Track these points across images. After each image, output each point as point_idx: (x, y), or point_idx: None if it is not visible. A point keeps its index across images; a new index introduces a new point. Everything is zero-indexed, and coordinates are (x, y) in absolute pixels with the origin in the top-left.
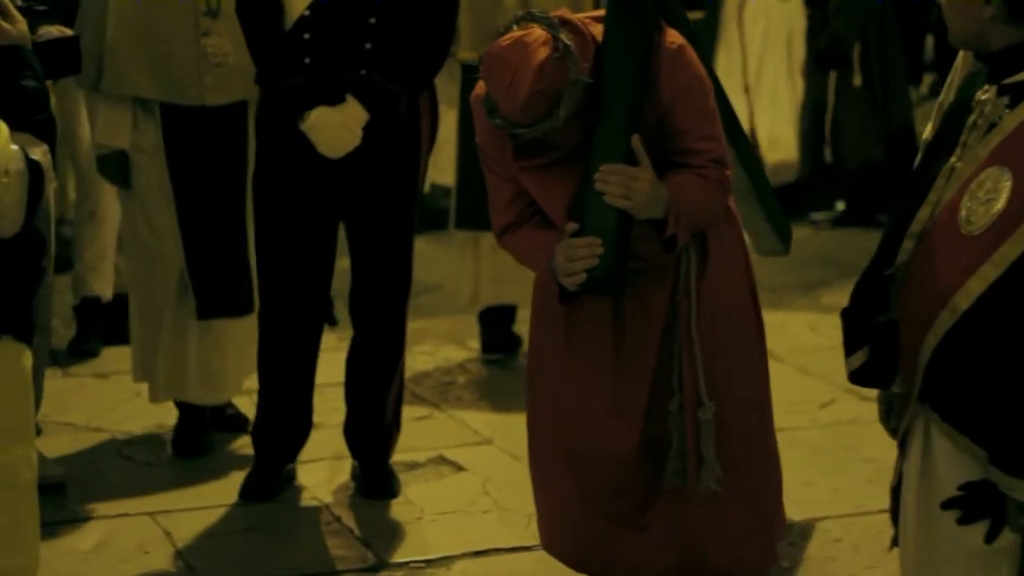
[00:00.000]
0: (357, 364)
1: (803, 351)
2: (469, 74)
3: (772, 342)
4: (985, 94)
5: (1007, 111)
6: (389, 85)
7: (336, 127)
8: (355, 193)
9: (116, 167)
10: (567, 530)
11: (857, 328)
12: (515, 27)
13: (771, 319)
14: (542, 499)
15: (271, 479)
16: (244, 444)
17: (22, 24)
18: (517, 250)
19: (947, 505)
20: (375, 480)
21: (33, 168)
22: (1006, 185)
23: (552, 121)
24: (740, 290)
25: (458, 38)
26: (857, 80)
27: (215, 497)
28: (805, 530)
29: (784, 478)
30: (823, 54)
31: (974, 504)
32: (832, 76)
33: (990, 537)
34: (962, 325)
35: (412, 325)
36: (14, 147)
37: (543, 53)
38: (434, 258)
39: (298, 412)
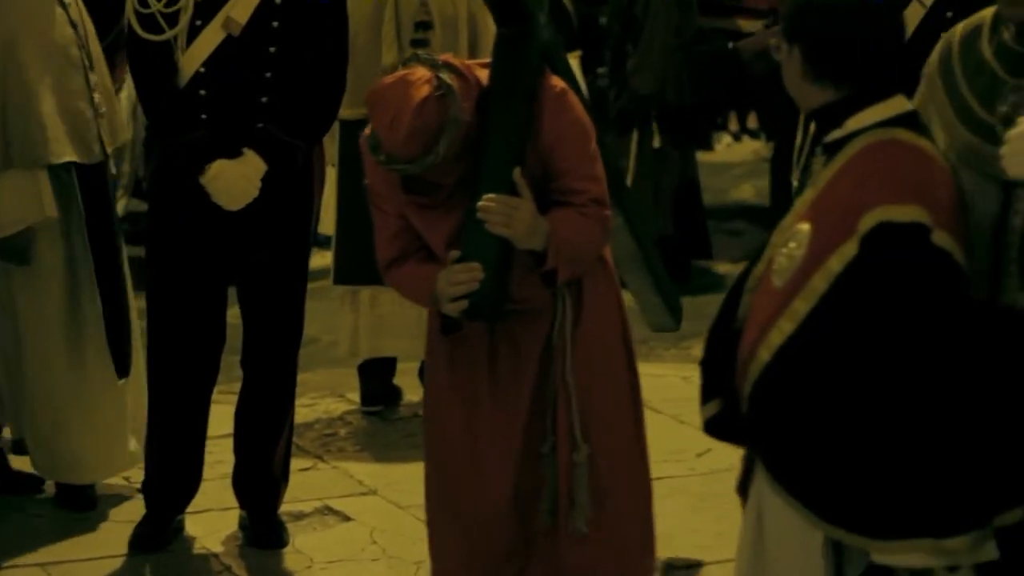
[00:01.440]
0: (247, 415)
1: (677, 401)
2: (348, 131)
3: (647, 393)
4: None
5: (823, 168)
6: (286, 137)
7: (236, 179)
8: (249, 246)
9: (19, 247)
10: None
11: (711, 378)
12: (401, 67)
13: (645, 370)
14: (432, 548)
15: (162, 530)
16: (129, 496)
17: None
18: (402, 283)
19: None
20: (264, 530)
21: None
22: (806, 240)
23: (432, 158)
24: (614, 336)
25: None
26: (657, 142)
27: (105, 548)
28: (691, 575)
29: (668, 525)
30: (622, 115)
31: None
32: (633, 138)
33: None
34: (764, 378)
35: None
36: None
37: (425, 91)
38: (311, 311)
39: (189, 465)
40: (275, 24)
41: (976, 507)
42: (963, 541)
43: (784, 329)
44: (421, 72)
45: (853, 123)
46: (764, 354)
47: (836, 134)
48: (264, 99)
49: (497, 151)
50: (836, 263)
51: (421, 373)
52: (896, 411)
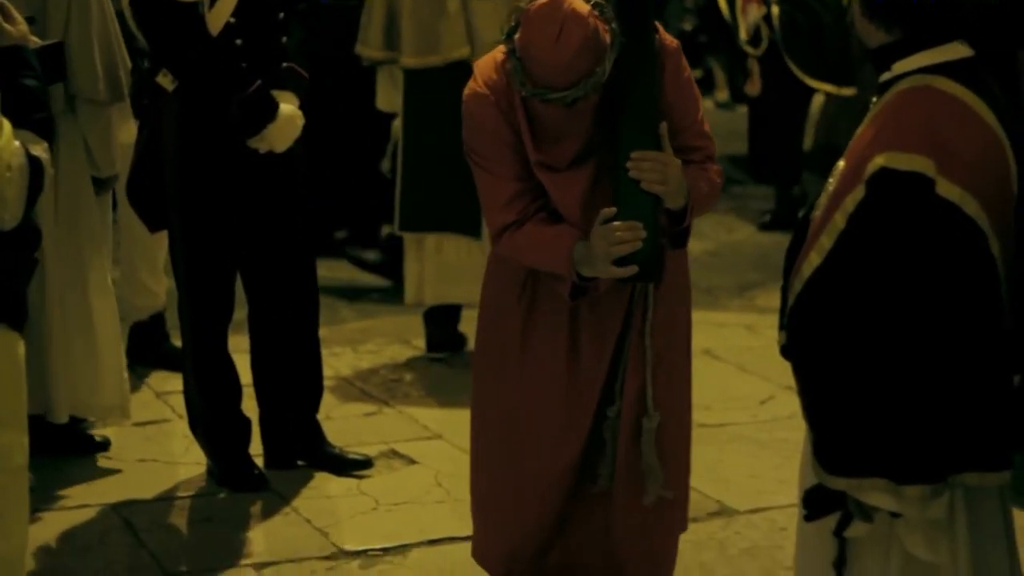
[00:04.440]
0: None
1: (740, 350)
2: (412, 79)
3: (711, 342)
4: None
5: (872, 107)
6: (305, 73)
7: (289, 120)
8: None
9: None
10: (497, 540)
11: (785, 305)
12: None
13: (709, 319)
14: (479, 508)
15: (251, 466)
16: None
17: (22, 25)
18: (523, 246)
19: (803, 500)
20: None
21: (34, 164)
22: (839, 176)
23: (595, 79)
24: (685, 296)
25: (401, 45)
26: None
27: (172, 489)
28: (751, 520)
29: (730, 471)
30: None
31: (816, 501)
32: None
33: (839, 529)
34: (796, 310)
35: (358, 325)
36: (16, 143)
37: (586, 7)
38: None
39: (238, 408)
40: None
41: (938, 459)
42: (919, 490)
43: (812, 261)
44: None
45: (899, 67)
46: (797, 285)
47: (885, 76)
48: (284, 39)
49: (637, 105)
50: (850, 203)
51: None
52: (880, 354)
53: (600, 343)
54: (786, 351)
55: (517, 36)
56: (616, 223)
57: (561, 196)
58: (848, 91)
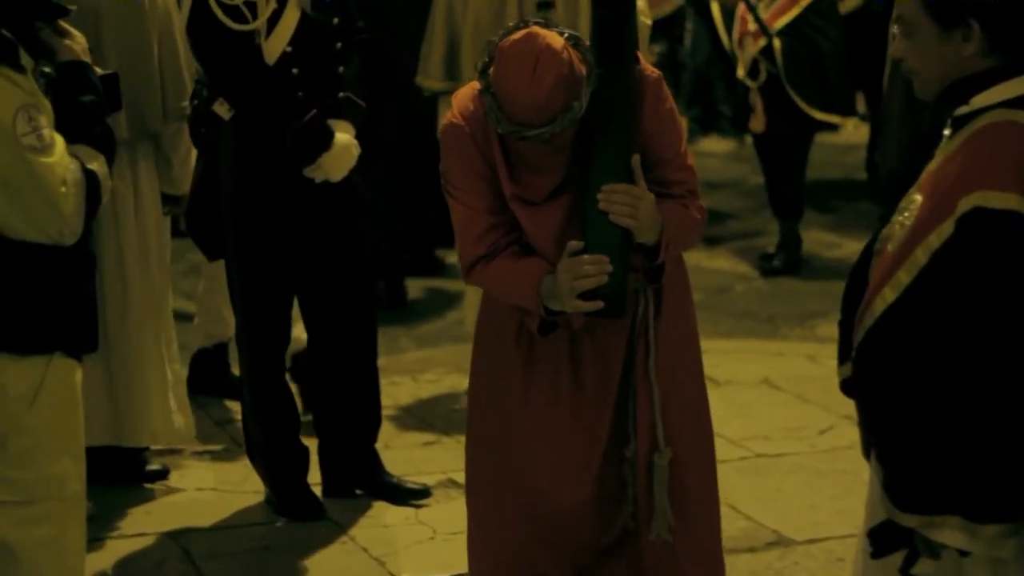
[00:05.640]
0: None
1: (800, 380)
2: None
3: (770, 371)
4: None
5: (947, 142)
6: (362, 103)
7: (344, 149)
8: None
9: None
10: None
11: (846, 339)
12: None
13: (768, 348)
14: (478, 537)
15: (310, 496)
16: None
17: (81, 40)
18: (494, 280)
19: (869, 536)
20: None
21: (90, 178)
22: (916, 211)
23: (572, 114)
24: (691, 328)
25: (462, 75)
26: None
27: (230, 518)
28: (809, 551)
29: (788, 501)
30: None
31: (884, 538)
32: None
33: (905, 567)
34: (867, 345)
35: (418, 354)
36: (70, 159)
37: (559, 40)
38: (435, 288)
39: (296, 437)
40: None
41: (1017, 498)
42: (995, 529)
43: (887, 297)
44: (540, 28)
45: (979, 100)
46: (868, 320)
47: (962, 110)
48: (340, 69)
49: (612, 138)
50: (935, 240)
51: None
52: (959, 391)
53: (604, 375)
54: (846, 386)
55: (491, 71)
56: (582, 257)
57: (536, 230)
58: (850, 122)
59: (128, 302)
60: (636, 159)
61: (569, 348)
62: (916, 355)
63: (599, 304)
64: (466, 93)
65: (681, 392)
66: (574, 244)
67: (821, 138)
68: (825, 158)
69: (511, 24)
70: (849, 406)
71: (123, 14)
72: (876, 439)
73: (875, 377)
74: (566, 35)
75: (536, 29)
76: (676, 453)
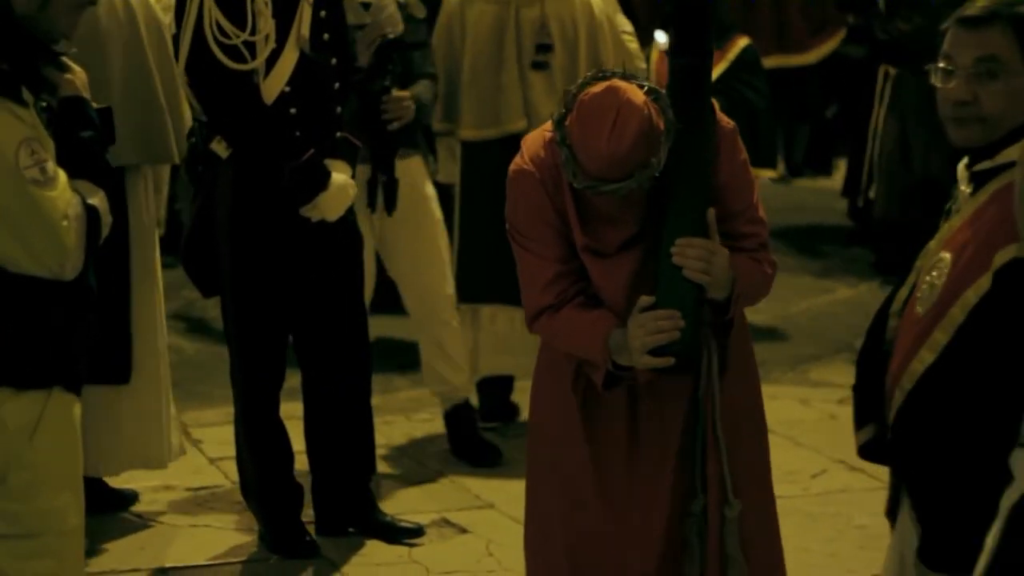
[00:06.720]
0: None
1: (793, 423)
2: (470, 151)
3: None
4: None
5: (969, 197)
6: (358, 143)
7: (341, 189)
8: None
9: None
10: None
11: (864, 403)
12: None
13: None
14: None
15: (301, 533)
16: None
17: (82, 75)
18: (558, 330)
19: None
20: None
21: (91, 213)
22: (946, 270)
23: (650, 170)
24: (754, 381)
25: (459, 117)
26: None
27: (223, 554)
28: None
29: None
30: None
31: None
32: None
33: None
34: (907, 407)
35: (411, 394)
36: (71, 193)
37: (640, 95)
38: None
39: (290, 474)
40: (326, 36)
41: None
42: None
43: (925, 359)
44: (619, 81)
45: (1005, 155)
46: (907, 383)
47: (984, 165)
48: (338, 109)
49: (686, 188)
50: (973, 295)
51: None
52: (1004, 454)
53: (662, 428)
54: (865, 451)
55: (568, 123)
56: (655, 312)
57: (606, 282)
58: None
59: (132, 335)
60: (711, 213)
61: (626, 400)
62: (958, 415)
63: (670, 360)
64: (536, 138)
65: (747, 447)
66: (645, 299)
67: (812, 183)
68: (817, 203)
69: (588, 74)
70: (842, 450)
71: (128, 43)
72: (916, 501)
73: (918, 440)
74: (646, 88)
75: (617, 82)
76: (744, 508)
